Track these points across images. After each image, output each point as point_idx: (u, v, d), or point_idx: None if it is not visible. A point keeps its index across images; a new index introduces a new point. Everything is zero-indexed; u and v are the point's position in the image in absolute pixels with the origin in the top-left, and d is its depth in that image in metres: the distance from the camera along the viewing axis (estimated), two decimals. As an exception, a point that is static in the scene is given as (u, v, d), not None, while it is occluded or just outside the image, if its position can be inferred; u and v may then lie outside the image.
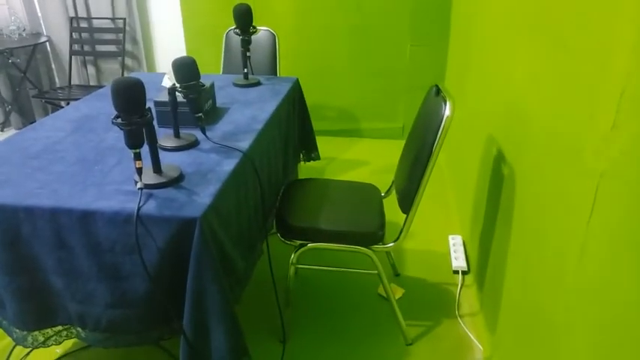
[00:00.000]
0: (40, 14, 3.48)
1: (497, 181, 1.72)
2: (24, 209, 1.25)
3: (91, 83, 3.56)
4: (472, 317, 1.89)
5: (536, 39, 1.40)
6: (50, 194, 1.28)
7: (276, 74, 2.64)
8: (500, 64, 1.82)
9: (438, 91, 1.62)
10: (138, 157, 1.28)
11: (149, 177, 1.33)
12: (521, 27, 1.57)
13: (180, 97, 1.57)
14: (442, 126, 1.48)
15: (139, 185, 1.31)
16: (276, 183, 1.94)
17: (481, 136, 2.04)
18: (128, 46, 3.42)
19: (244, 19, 2.13)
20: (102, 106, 1.97)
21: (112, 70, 3.53)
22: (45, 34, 3.52)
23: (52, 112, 3.71)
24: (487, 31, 2.09)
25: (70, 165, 1.46)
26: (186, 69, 1.51)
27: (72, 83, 3.53)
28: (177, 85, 1.53)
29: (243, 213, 1.51)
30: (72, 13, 3.39)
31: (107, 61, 3.51)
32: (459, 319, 1.88)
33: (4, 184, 1.34)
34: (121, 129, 1.23)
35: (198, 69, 1.56)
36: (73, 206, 1.24)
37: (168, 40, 3.46)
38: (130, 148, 1.26)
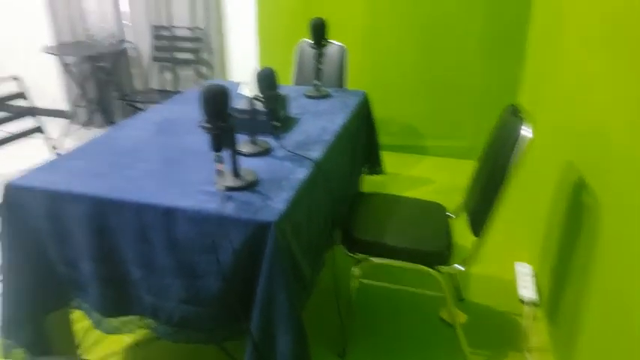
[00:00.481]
0: (126, 22, 3.71)
1: (577, 211, 1.65)
2: (113, 202, 1.33)
3: (168, 88, 3.74)
4: (542, 353, 1.80)
5: (620, 60, 1.34)
6: (137, 190, 1.36)
7: (344, 87, 2.67)
8: (581, 85, 1.76)
9: (515, 112, 1.59)
10: (220, 160, 1.33)
11: (228, 180, 1.39)
12: (606, 47, 1.51)
13: (258, 105, 1.63)
14: (519, 148, 1.44)
15: (218, 187, 1.36)
16: (344, 195, 1.96)
17: (557, 160, 1.97)
18: (204, 55, 3.58)
19: (319, 33, 2.18)
20: (181, 110, 2.07)
21: (187, 76, 3.70)
22: (130, 40, 3.74)
23: (132, 113, 3.93)
24: (567, 51, 2.02)
25: (154, 164, 1.54)
26: (268, 80, 1.56)
27: (151, 87, 3.72)
28: (258, 94, 1.59)
29: (313, 221, 1.53)
30: (155, 22, 3.59)
31: (184, 68, 3.68)
32: (526, 353, 1.80)
33: (97, 177, 1.44)
34: (207, 133, 1.29)
35: (277, 81, 1.61)
36: (158, 202, 1.31)
37: (241, 50, 3.59)
38: (213, 151, 1.32)
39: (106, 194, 1.35)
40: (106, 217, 1.34)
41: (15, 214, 1.42)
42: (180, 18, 3.54)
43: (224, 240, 1.26)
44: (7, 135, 2.12)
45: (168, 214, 1.29)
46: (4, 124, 2.13)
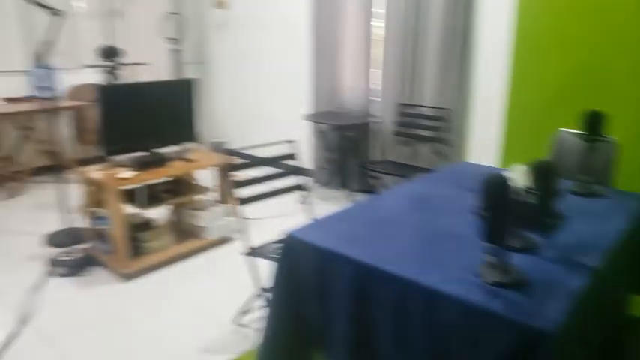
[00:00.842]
0: (376, 98, 4.05)
1: None
2: (376, 270, 1.38)
3: (404, 162, 3.90)
4: None
5: None
6: (399, 263, 1.40)
7: (609, 185, 2.38)
8: None
9: None
10: (490, 251, 1.28)
11: (495, 273, 1.32)
12: None
13: (528, 197, 1.55)
14: None
15: (487, 280, 1.31)
16: (616, 317, 1.70)
17: None
18: (445, 133, 3.64)
19: (595, 127, 2.01)
20: (434, 188, 2.10)
21: (425, 152, 3.81)
22: (376, 115, 4.05)
23: (367, 180, 4.18)
24: None
25: (412, 239, 1.57)
26: (547, 173, 1.48)
27: (388, 159, 3.93)
28: (531, 186, 1.51)
29: (583, 341, 1.34)
30: (403, 100, 3.82)
31: (423, 144, 3.80)
32: None
33: (361, 242, 1.53)
34: (482, 222, 1.26)
35: (557, 176, 1.51)
36: (420, 281, 1.31)
37: (484, 132, 3.55)
38: (486, 242, 1.28)
39: (370, 261, 1.41)
40: (367, 284, 1.40)
41: (288, 259, 1.59)
42: (426, 97, 3.70)
43: (487, 338, 1.19)
44: (274, 189, 2.43)
45: (430, 295, 1.28)
46: (277, 180, 2.48)
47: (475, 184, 2.12)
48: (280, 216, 3.79)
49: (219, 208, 3.26)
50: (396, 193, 2.04)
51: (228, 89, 5.39)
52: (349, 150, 4.17)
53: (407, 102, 3.82)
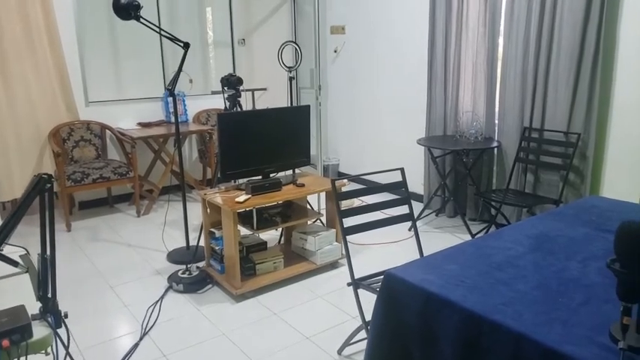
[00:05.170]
0: (497, 122, 3.79)
1: None
2: (489, 323, 1.24)
3: (526, 190, 3.59)
4: None
5: None
6: (514, 316, 1.24)
7: None
8: None
9: None
10: (627, 312, 1.09)
11: (629, 337, 1.11)
12: None
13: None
14: None
15: (620, 344, 1.10)
16: None
17: None
18: (575, 161, 3.28)
19: None
20: (558, 227, 1.87)
21: (549, 181, 3.47)
22: (496, 139, 3.80)
23: (484, 209, 3.93)
24: None
25: (531, 287, 1.40)
26: None
27: (509, 187, 3.65)
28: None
29: None
30: (527, 124, 3.53)
31: (548, 172, 3.47)
32: None
33: (472, 289, 1.39)
34: (616, 277, 1.08)
35: None
36: (539, 339, 1.15)
37: (621, 160, 3.14)
38: (621, 300, 1.08)
39: (481, 311, 1.27)
40: (478, 335, 1.27)
41: (389, 299, 1.51)
42: (552, 121, 3.38)
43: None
44: (384, 218, 2.36)
45: (549, 355, 1.11)
46: (387, 207, 2.40)
47: (609, 223, 1.86)
48: (389, 243, 3.69)
49: (328, 233, 3.26)
50: (515, 230, 1.85)
51: (341, 113, 5.45)
52: (465, 176, 3.95)
53: (529, 125, 3.52)
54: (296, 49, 3.89)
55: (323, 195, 3.31)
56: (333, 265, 3.33)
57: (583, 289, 1.37)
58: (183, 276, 3.08)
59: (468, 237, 3.72)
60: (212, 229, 3.15)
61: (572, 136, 3.28)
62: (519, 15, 3.44)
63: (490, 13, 3.66)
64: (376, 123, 5.01)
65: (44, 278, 1.31)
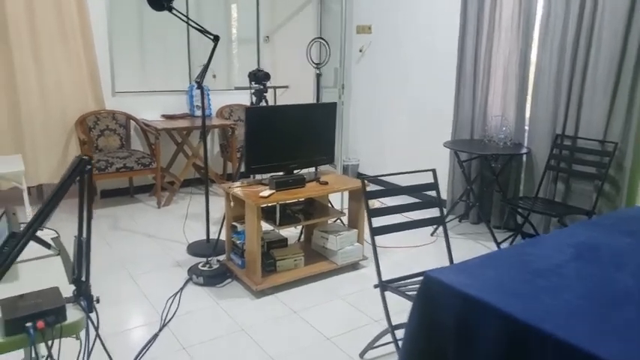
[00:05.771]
0: (527, 128, 3.71)
1: None
2: (537, 332, 1.19)
3: (556, 199, 3.50)
4: None
5: None
6: (562, 325, 1.18)
7: None
8: None
9: None
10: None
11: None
12: None
13: None
14: None
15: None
16: None
17: None
18: (610, 171, 3.20)
19: None
20: (599, 237, 1.80)
21: (582, 190, 3.39)
22: (525, 145, 3.72)
23: (510, 217, 3.85)
24: None
25: (576, 297, 1.34)
26: None
27: (537, 196, 3.56)
28: None
29: None
30: (559, 131, 3.45)
31: (581, 181, 3.38)
32: None
33: (512, 294, 1.34)
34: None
35: None
36: (600, 354, 1.09)
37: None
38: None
39: (524, 318, 1.22)
40: (520, 342, 1.21)
41: (426, 301, 1.46)
42: (587, 128, 3.30)
43: None
44: (410, 221, 2.31)
45: (606, 371, 1.05)
46: (413, 210, 2.35)
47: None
48: (410, 247, 3.63)
49: (350, 233, 3.22)
50: (554, 238, 1.79)
51: (363, 114, 5.40)
52: (491, 182, 3.88)
53: (562, 132, 3.44)
54: (324, 46, 3.86)
55: (343, 194, 3.26)
56: (353, 266, 3.28)
57: (635, 300, 1.31)
58: (203, 269, 3.06)
59: (492, 244, 3.65)
60: (234, 223, 3.12)
61: (608, 145, 3.19)
62: (556, 19, 3.36)
63: (524, 16, 3.58)
64: (399, 124, 4.95)
65: (79, 261, 1.28)
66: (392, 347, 2.35)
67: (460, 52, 4.03)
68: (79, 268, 1.29)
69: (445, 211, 4.07)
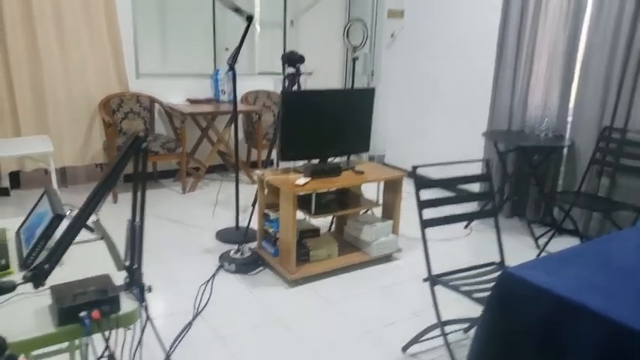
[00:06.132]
0: (569, 120, 3.56)
1: None
2: (633, 332, 1.07)
3: (599, 194, 3.35)
4: None
5: None
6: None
7: None
8: None
9: None
10: None
11: None
12: None
13: None
14: None
15: None
16: None
17: None
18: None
19: None
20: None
21: (630, 186, 3.23)
22: (568, 137, 3.57)
23: (546, 213, 3.69)
24: None
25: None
26: None
27: (579, 191, 3.41)
28: None
29: None
30: (607, 122, 3.29)
31: (629, 176, 3.23)
32: None
33: (614, 298, 1.22)
34: None
35: None
36: None
37: None
38: None
39: (623, 320, 1.10)
40: (618, 348, 1.09)
41: (504, 300, 1.34)
42: (638, 121, 3.14)
43: None
44: (458, 214, 2.19)
45: None
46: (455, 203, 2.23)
47: None
48: (443, 240, 3.51)
49: (385, 224, 3.10)
50: (634, 233, 1.66)
51: (392, 102, 5.26)
52: (528, 175, 3.73)
53: (610, 125, 3.28)
54: (363, 28, 3.71)
55: (379, 185, 3.14)
56: (386, 258, 3.17)
57: None
58: (235, 256, 2.97)
59: (528, 239, 3.51)
60: (266, 211, 3.02)
61: (659, 139, 3.04)
62: (610, 3, 3.18)
63: None
64: (430, 114, 4.81)
65: (133, 247, 1.19)
66: (435, 342, 2.24)
67: (501, 37, 3.85)
68: (132, 254, 1.19)
69: (493, 203, 3.94)
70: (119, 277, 1.22)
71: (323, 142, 2.99)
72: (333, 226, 3.52)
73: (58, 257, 1.03)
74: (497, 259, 2.21)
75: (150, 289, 1.24)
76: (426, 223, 2.04)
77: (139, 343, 1.27)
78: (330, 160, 3.06)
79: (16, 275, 1.23)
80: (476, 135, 4.26)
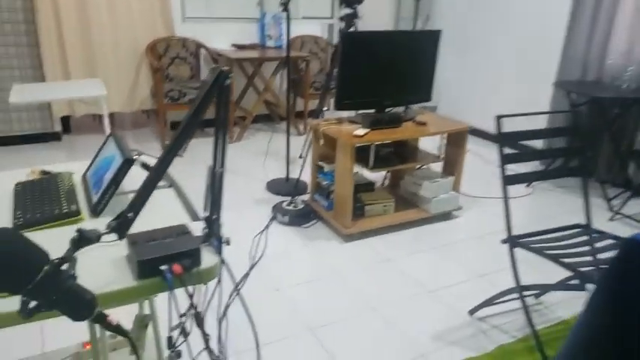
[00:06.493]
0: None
1: None
2: None
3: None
4: None
5: None
6: None
7: None
8: None
9: None
10: None
11: None
12: None
13: None
14: None
15: None
16: None
17: None
18: None
19: None
20: None
21: None
22: (651, 89, 3.25)
23: (624, 171, 3.42)
24: None
25: None
26: None
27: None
28: None
29: None
30: (700, 74, 2.96)
31: None
32: None
33: None
34: None
35: None
36: None
37: None
38: None
39: None
40: None
41: (627, 277, 1.17)
42: None
43: None
44: (548, 170, 1.99)
45: None
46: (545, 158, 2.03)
47: None
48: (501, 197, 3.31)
49: (446, 181, 2.93)
50: None
51: (450, 48, 4.93)
52: (602, 131, 3.44)
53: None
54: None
55: (442, 137, 2.94)
56: (445, 216, 3.02)
57: None
58: (288, 208, 2.87)
59: (599, 200, 3.28)
60: (320, 163, 2.88)
61: None
62: None
63: None
64: (490, 60, 4.48)
65: (213, 195, 1.07)
66: (504, 307, 2.11)
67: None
68: (212, 204, 1.07)
69: (581, 160, 3.68)
70: (194, 228, 1.11)
71: (382, 90, 2.79)
72: (387, 180, 3.37)
73: (141, 205, 0.92)
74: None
75: (228, 242, 1.13)
76: (509, 179, 1.86)
77: (227, 305, 1.18)
78: (387, 110, 2.87)
79: (87, 222, 1.14)
80: (541, 86, 3.95)
